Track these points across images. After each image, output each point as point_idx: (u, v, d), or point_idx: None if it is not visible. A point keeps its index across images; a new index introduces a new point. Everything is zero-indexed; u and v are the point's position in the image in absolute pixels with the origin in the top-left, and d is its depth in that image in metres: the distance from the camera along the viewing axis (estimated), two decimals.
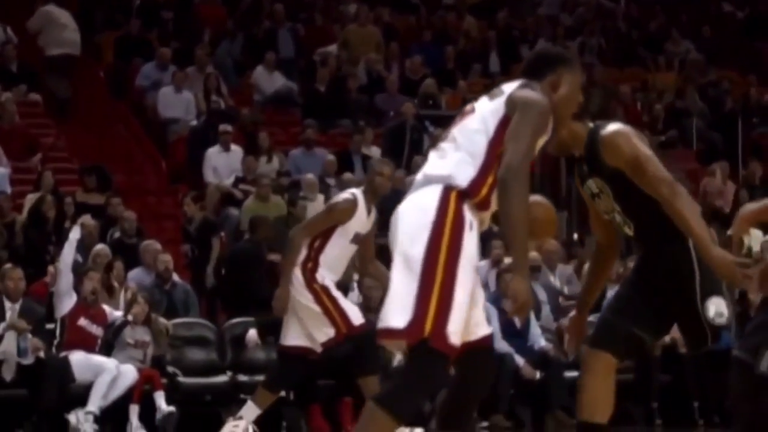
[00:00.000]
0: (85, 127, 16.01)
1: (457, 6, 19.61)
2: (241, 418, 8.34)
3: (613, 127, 5.31)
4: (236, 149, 14.81)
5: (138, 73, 16.38)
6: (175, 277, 12.01)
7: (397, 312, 4.33)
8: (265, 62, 16.76)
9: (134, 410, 10.36)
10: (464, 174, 4.46)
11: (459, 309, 4.34)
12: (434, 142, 15.01)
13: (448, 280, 4.33)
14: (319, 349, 8.46)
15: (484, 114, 4.54)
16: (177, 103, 15.76)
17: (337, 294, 8.31)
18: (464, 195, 4.45)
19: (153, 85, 16.06)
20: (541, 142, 4.59)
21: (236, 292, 11.46)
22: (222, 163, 14.68)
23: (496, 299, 11.77)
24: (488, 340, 4.63)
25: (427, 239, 4.37)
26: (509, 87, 4.61)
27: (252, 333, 11.24)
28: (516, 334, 11.77)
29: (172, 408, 10.38)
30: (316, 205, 13.83)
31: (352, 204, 8.19)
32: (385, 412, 4.28)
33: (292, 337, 8.40)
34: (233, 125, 15.22)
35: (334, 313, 8.25)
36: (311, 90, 16.77)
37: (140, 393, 10.39)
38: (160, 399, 10.42)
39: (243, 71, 17.08)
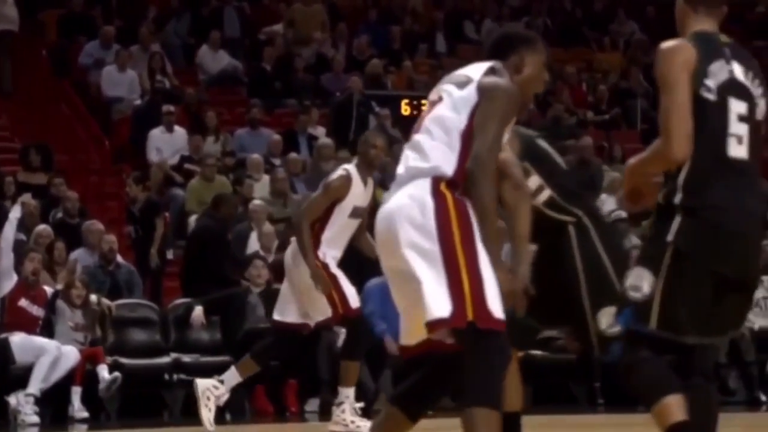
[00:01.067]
0: (28, 105, 15.84)
1: None
2: (222, 381, 8.32)
3: None
4: (180, 130, 14.72)
5: (81, 52, 16.22)
6: (119, 258, 11.93)
7: (436, 303, 4.30)
8: (209, 41, 16.65)
9: (76, 392, 10.29)
10: (447, 164, 4.44)
11: (491, 285, 4.35)
12: (381, 122, 15.20)
13: (470, 262, 4.34)
14: (312, 326, 8.43)
15: (456, 102, 4.49)
16: (120, 83, 15.62)
17: (337, 272, 8.25)
18: (452, 184, 4.43)
19: (96, 63, 15.91)
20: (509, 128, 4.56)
21: (199, 270, 11.35)
22: (166, 143, 14.58)
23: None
24: None
25: (436, 232, 4.35)
26: (477, 73, 4.54)
27: (197, 311, 11.19)
28: None
29: (116, 373, 10.31)
30: (261, 185, 13.81)
31: (346, 179, 8.22)
32: (484, 409, 4.26)
33: (290, 313, 8.36)
34: (178, 105, 15.12)
35: (333, 293, 8.20)
36: (257, 69, 16.69)
37: (82, 374, 10.31)
38: (103, 371, 10.35)
39: (190, 51, 16.96)
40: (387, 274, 4.55)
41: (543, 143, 5.90)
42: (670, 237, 4.46)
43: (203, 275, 11.30)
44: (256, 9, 18.43)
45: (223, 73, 16.67)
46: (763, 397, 12.16)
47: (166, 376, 10.94)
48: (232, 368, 8.44)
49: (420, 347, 4.52)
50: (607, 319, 5.21)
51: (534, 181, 5.69)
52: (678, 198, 4.47)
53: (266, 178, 13.86)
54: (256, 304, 11.05)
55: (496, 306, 4.33)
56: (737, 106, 4.45)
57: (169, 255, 12.94)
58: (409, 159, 4.50)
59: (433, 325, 4.32)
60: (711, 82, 4.43)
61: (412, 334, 4.52)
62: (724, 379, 12.19)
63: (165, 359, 11.05)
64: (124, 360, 10.79)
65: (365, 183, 8.37)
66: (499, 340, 4.32)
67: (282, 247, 12.04)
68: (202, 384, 8.30)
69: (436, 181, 4.42)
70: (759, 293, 12.56)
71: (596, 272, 5.63)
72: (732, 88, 4.45)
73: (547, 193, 5.75)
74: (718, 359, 11.85)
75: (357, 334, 8.37)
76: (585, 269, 5.58)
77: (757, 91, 4.52)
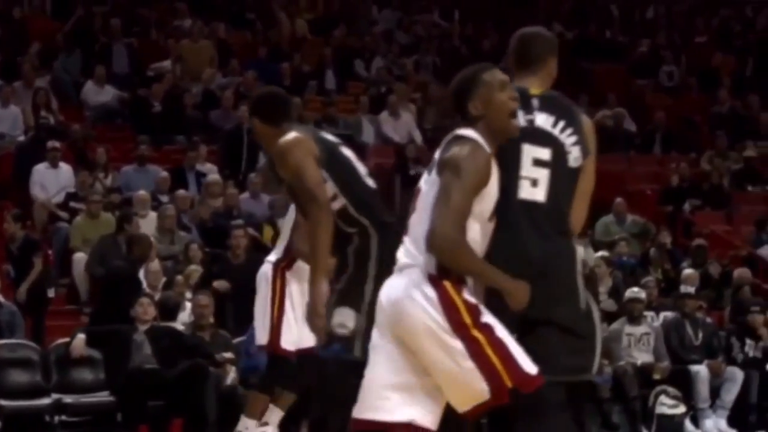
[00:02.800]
0: None
1: (293, 22, 19.60)
2: (266, 423, 8.08)
3: (288, 136, 5.67)
4: (65, 166, 14.53)
5: None
6: (1, 297, 11.71)
7: (474, 387, 4.45)
8: (95, 77, 16.50)
9: None
10: (431, 261, 4.51)
11: (514, 346, 4.49)
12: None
13: (491, 337, 4.47)
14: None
15: (425, 191, 4.59)
16: (3, 118, 15.40)
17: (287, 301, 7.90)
18: (443, 270, 4.50)
19: None
20: (491, 189, 4.58)
21: (109, 311, 11.16)
22: (50, 180, 14.38)
23: None
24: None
25: (449, 326, 4.46)
26: (439, 152, 4.63)
27: (79, 339, 10.95)
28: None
29: None
30: (147, 222, 13.66)
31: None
32: None
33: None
34: (63, 142, 14.93)
35: (273, 324, 7.83)
36: (145, 106, 16.56)
37: None
38: None
39: (81, 87, 16.78)
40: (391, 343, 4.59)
41: (346, 151, 5.95)
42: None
43: (113, 316, 11.12)
44: (145, 45, 18.31)
45: (110, 110, 16.52)
46: (645, 431, 12.34)
47: (47, 418, 10.74)
48: (271, 406, 8.16)
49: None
50: (340, 319, 5.43)
51: (329, 189, 5.78)
52: None
53: (153, 215, 13.74)
54: (142, 342, 10.91)
55: (527, 365, 4.48)
56: (534, 152, 4.76)
57: (51, 293, 12.72)
58: (403, 248, 4.61)
59: (478, 409, 4.48)
60: None
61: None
62: (608, 414, 12.34)
63: (45, 400, 10.85)
64: (3, 402, 10.58)
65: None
66: (550, 397, 4.51)
67: (168, 284, 11.96)
68: None
69: (430, 276, 4.50)
70: (641, 329, 12.76)
71: (358, 278, 5.73)
72: (529, 135, 4.77)
73: (340, 202, 5.82)
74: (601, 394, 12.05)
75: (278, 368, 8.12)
76: (350, 275, 5.70)
77: (568, 140, 4.80)
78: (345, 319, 5.29)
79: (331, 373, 5.47)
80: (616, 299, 13.19)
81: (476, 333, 4.45)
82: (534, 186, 4.75)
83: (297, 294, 7.71)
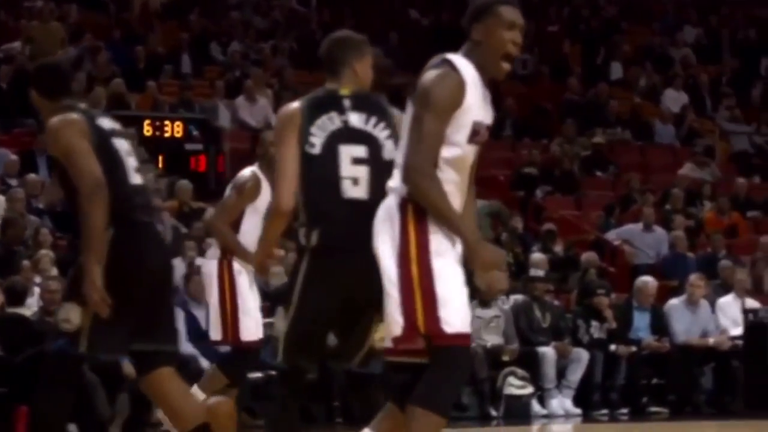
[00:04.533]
0: None
1: (145, 7, 19.42)
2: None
3: (61, 116, 5.39)
4: None
5: None
6: None
7: (392, 325, 4.46)
8: None
9: None
10: (404, 186, 4.52)
11: (446, 302, 4.42)
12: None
13: (426, 280, 4.42)
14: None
15: (405, 116, 4.61)
16: None
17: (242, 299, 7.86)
18: (411, 201, 4.50)
19: None
20: (465, 114, 4.54)
21: None
22: None
23: (182, 302, 11.75)
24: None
25: (398, 252, 4.47)
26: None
27: None
28: (202, 337, 11.75)
29: None
30: None
31: (257, 179, 7.91)
32: (427, 411, 4.41)
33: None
34: None
35: (228, 318, 7.82)
36: None
37: None
38: None
39: None
40: None
41: (119, 142, 5.60)
42: (301, 270, 5.06)
43: None
44: None
45: None
46: (494, 412, 12.57)
47: None
48: (194, 387, 8.00)
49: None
50: (65, 314, 5.35)
51: None
52: (303, 239, 5.04)
53: (1, 198, 13.50)
54: None
55: (451, 320, 4.42)
56: (351, 151, 5.00)
57: None
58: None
59: (390, 350, 4.52)
60: (316, 138, 5.01)
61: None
62: (458, 395, 12.54)
63: None
64: None
65: (270, 183, 8.17)
66: (454, 356, 4.44)
67: (16, 269, 11.77)
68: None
69: (401, 199, 4.52)
70: (491, 312, 12.98)
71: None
72: (345, 135, 5.02)
73: None
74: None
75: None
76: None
77: (382, 134, 5.05)
78: (70, 314, 5.19)
79: (53, 366, 5.36)
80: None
81: (413, 268, 4.44)
82: (355, 184, 4.97)
83: (245, 286, 7.86)
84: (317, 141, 5.03)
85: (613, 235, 16.48)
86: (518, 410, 12.56)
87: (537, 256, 14.55)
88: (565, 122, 18.73)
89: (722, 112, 20.53)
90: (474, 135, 4.57)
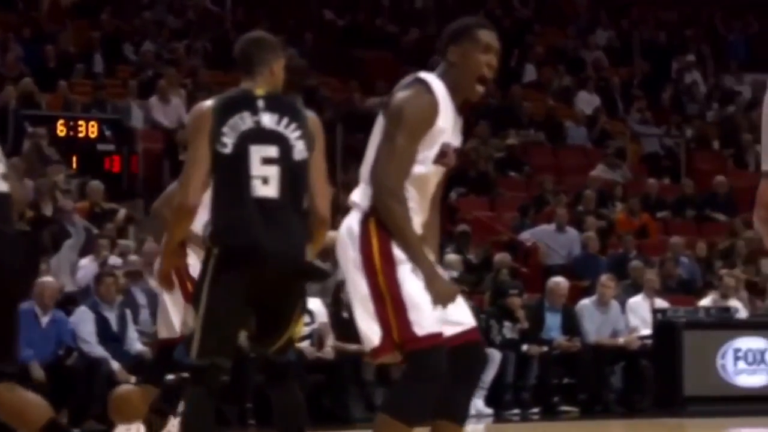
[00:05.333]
0: None
1: (54, 5, 19.21)
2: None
3: None
4: None
5: None
6: None
7: (369, 333, 4.54)
8: None
9: None
10: (368, 199, 4.60)
11: (415, 305, 4.52)
12: (36, 142, 14.84)
13: (393, 288, 4.52)
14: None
15: (374, 132, 4.66)
16: None
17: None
18: (375, 213, 4.57)
19: None
20: (435, 135, 4.60)
21: None
22: None
23: (93, 304, 11.66)
24: (474, 334, 4.73)
25: (362, 266, 4.56)
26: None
27: None
28: (113, 339, 11.67)
29: None
30: None
31: None
32: (395, 419, 4.50)
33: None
34: None
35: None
36: None
37: None
38: None
39: None
40: None
41: None
42: (207, 269, 5.10)
43: None
44: None
45: None
46: None
47: None
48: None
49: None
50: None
51: None
52: (210, 239, 5.10)
53: None
54: None
55: (422, 324, 4.52)
56: (262, 151, 5.06)
57: None
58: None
59: (372, 354, 4.62)
60: (228, 138, 5.05)
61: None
62: (371, 396, 12.56)
63: None
64: None
65: None
66: (427, 361, 4.51)
67: None
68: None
69: (364, 215, 4.60)
70: None
71: None
72: (256, 135, 5.08)
73: None
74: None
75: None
76: None
77: (293, 134, 5.12)
78: None
79: None
80: None
81: (381, 279, 4.53)
82: (265, 183, 5.03)
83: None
84: (229, 140, 5.05)
85: (526, 236, 16.62)
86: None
87: (451, 257, 14.62)
88: (479, 124, 18.85)
89: (633, 114, 20.80)
90: (441, 156, 4.64)
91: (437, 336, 4.54)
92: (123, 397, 7.93)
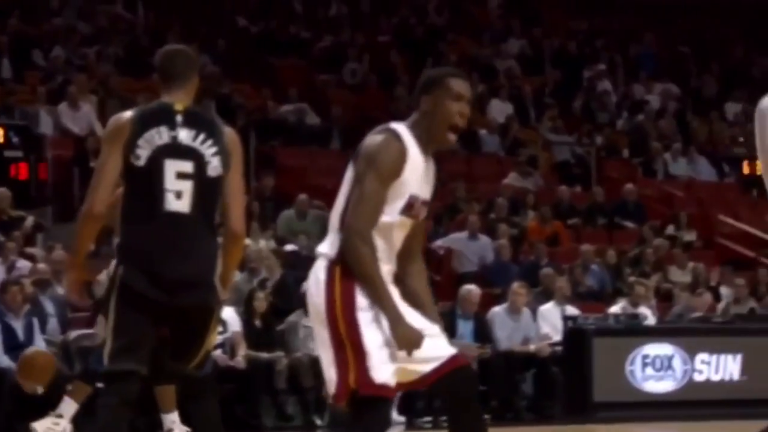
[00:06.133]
0: None
1: None
2: (61, 416, 7.65)
3: None
4: None
5: None
6: None
7: (329, 379, 4.58)
8: None
9: None
10: (335, 245, 4.62)
11: (376, 352, 4.54)
12: None
13: (353, 335, 4.53)
14: None
15: (345, 180, 4.66)
16: None
17: None
18: (340, 261, 4.59)
19: None
20: (403, 184, 4.64)
21: None
22: None
23: None
24: (456, 360, 4.69)
25: (325, 313, 4.56)
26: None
27: None
28: (19, 348, 11.50)
29: None
30: None
31: None
32: None
33: None
34: None
35: None
36: None
37: None
38: None
39: None
40: None
41: None
42: (116, 279, 5.12)
43: None
44: None
45: None
46: (319, 422, 12.59)
47: None
48: (66, 398, 7.78)
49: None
50: None
51: None
52: (118, 251, 5.13)
53: None
54: None
55: (380, 372, 4.54)
56: (177, 166, 5.09)
57: None
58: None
59: (334, 399, 4.63)
60: (142, 150, 5.07)
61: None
62: (283, 405, 12.54)
63: None
64: None
65: None
66: (379, 408, 4.56)
67: None
68: (40, 426, 7.68)
69: (330, 263, 4.60)
70: None
71: None
72: (172, 150, 5.10)
73: None
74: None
75: None
76: None
77: (208, 151, 5.14)
78: None
79: None
80: (284, 291, 13.37)
81: (342, 325, 4.54)
82: (178, 198, 5.06)
83: None
84: (143, 153, 5.07)
85: (439, 244, 16.67)
86: (343, 419, 12.55)
87: None
88: None
89: (545, 122, 20.98)
90: (408, 208, 4.66)
91: (389, 389, 4.58)
92: (28, 359, 8.04)
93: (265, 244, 14.62)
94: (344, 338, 4.55)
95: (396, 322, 4.55)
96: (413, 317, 4.67)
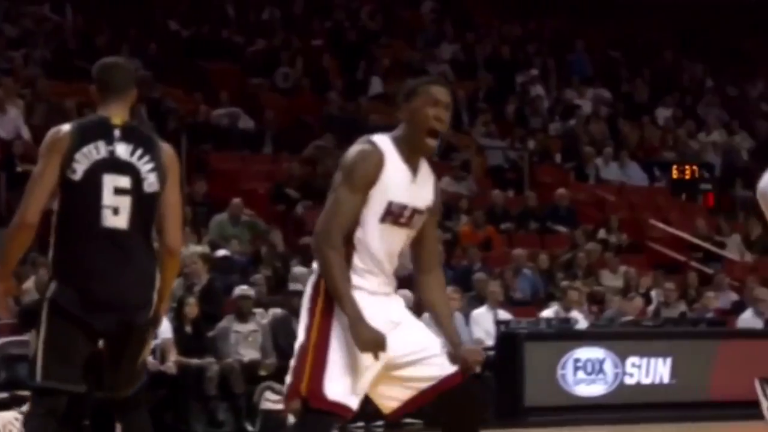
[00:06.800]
0: None
1: None
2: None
3: None
4: None
5: None
6: None
7: (286, 383, 4.67)
8: None
9: None
10: None
11: (337, 368, 4.57)
12: None
13: (321, 344, 4.59)
14: None
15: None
16: None
17: None
18: None
19: None
20: (380, 192, 4.70)
21: None
22: None
23: None
24: (454, 378, 4.73)
25: (304, 322, 4.69)
26: None
27: None
28: None
29: None
30: None
31: None
32: None
33: None
34: None
35: None
36: None
37: None
38: None
39: None
40: None
41: None
42: (48, 294, 5.11)
43: None
44: None
45: None
46: (250, 428, 12.51)
47: None
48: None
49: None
50: None
51: None
52: (52, 265, 5.11)
53: None
54: None
55: (335, 389, 4.57)
56: (115, 181, 5.07)
57: None
58: None
59: (283, 401, 4.83)
60: (79, 164, 5.06)
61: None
62: (214, 412, 12.43)
63: None
64: None
65: None
66: (323, 422, 4.58)
67: None
68: (2, 418, 7.54)
69: (318, 274, 4.70)
70: (249, 326, 12.92)
71: None
72: (110, 165, 5.09)
73: None
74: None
75: None
76: None
77: (145, 167, 5.13)
78: None
79: None
80: (212, 296, 13.26)
81: (314, 333, 4.63)
82: (116, 214, 5.04)
83: None
84: (80, 168, 5.06)
85: None
86: (275, 425, 12.52)
87: (297, 270, 14.55)
88: (325, 135, 18.83)
89: (478, 127, 21.01)
90: (388, 215, 4.71)
91: (341, 407, 4.60)
92: None
93: (194, 248, 14.49)
94: (311, 346, 4.61)
95: (354, 322, 4.57)
96: (412, 331, 4.77)
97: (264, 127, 19.38)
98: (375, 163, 4.66)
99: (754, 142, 22.76)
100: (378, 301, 4.74)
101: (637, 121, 22.45)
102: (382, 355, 4.62)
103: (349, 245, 4.69)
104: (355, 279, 4.69)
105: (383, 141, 4.74)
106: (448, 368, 4.76)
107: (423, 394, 4.75)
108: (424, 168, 4.84)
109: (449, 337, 4.82)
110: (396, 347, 4.70)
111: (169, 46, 20.54)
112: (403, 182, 4.74)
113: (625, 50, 24.65)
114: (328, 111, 19.86)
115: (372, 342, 4.57)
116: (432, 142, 4.77)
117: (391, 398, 4.79)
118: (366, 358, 4.60)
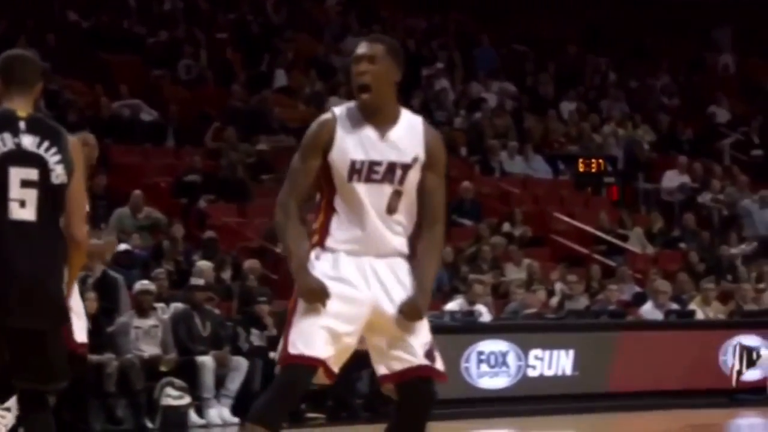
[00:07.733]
0: None
1: None
2: (8, 409, 7.23)
3: None
4: None
5: None
6: None
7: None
8: None
9: None
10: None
11: (297, 329, 4.78)
12: None
13: (293, 310, 4.84)
14: None
15: None
16: None
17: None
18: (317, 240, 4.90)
19: None
20: (338, 154, 4.89)
21: None
22: None
23: None
24: (420, 370, 4.94)
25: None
26: None
27: None
28: None
29: None
30: None
31: None
32: (258, 426, 4.80)
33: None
34: None
35: None
36: None
37: None
38: None
39: None
40: None
41: None
42: None
43: None
44: None
45: None
46: (150, 424, 12.34)
47: None
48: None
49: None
50: None
51: None
52: None
53: None
54: None
55: (295, 345, 4.77)
56: (21, 173, 5.03)
57: None
58: None
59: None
60: None
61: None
62: (113, 408, 12.24)
63: None
64: None
65: None
66: (290, 376, 4.82)
67: None
68: None
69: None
70: (150, 321, 12.75)
71: None
72: (16, 157, 5.03)
73: None
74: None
75: None
76: None
77: (52, 158, 5.08)
78: None
79: None
80: (107, 289, 13.05)
81: (290, 304, 4.87)
82: (23, 207, 5.01)
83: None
84: None
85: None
86: (175, 421, 12.38)
87: (200, 264, 14.40)
88: (228, 128, 18.67)
89: None
90: (354, 173, 4.82)
91: (306, 358, 4.76)
92: None
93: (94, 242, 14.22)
94: (290, 311, 4.86)
95: (296, 274, 4.81)
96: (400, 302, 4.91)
97: (166, 119, 19.15)
98: (323, 128, 4.85)
99: (656, 135, 23.00)
100: (358, 261, 4.85)
101: (542, 115, 22.56)
102: (354, 311, 4.81)
103: (329, 210, 4.88)
104: (331, 241, 4.85)
105: (342, 107, 4.94)
106: (419, 358, 4.96)
107: (394, 375, 4.97)
108: (406, 123, 4.99)
109: (415, 286, 4.93)
110: (383, 310, 4.89)
111: (68, 37, 20.20)
112: (368, 140, 4.87)
113: (530, 44, 24.77)
114: (232, 103, 19.68)
115: (308, 290, 4.77)
116: (364, 96, 4.88)
117: (378, 365, 5.01)
118: (329, 311, 4.76)
